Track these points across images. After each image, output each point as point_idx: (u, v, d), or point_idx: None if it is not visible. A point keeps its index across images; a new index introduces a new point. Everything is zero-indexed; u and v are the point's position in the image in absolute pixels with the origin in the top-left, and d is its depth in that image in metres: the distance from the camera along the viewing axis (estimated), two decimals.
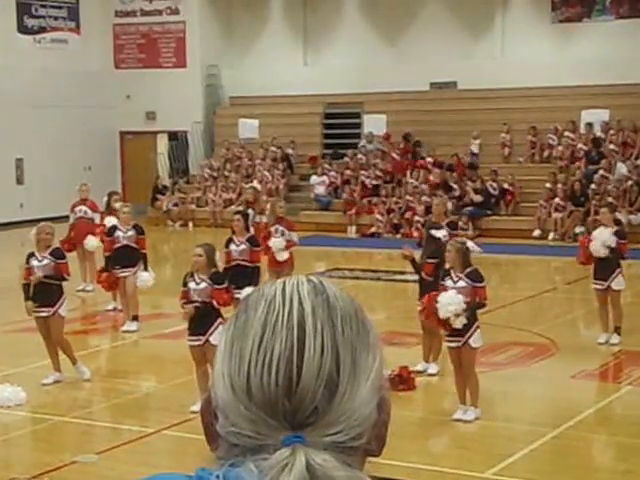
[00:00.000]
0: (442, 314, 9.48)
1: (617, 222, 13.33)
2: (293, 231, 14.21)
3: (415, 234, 20.17)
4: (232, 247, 12.60)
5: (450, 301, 9.44)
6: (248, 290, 11.77)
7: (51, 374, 11.44)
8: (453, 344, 9.71)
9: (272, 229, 14.02)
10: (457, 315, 9.42)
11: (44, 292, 11.18)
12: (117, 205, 15.15)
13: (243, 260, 12.45)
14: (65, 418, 10.21)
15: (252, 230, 13.75)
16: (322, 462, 1.14)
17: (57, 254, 11.45)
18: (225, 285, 10.39)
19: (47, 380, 11.38)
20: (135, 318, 14.10)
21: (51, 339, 11.36)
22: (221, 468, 1.17)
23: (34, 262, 11.29)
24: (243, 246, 12.54)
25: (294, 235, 14.14)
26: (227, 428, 1.19)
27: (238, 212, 13.57)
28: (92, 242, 16.23)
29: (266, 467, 1.14)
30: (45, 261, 11.30)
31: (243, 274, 12.19)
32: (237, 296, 11.41)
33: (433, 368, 11.35)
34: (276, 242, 13.66)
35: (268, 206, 15.11)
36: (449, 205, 19.08)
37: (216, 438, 1.21)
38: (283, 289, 1.22)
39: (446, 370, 10.72)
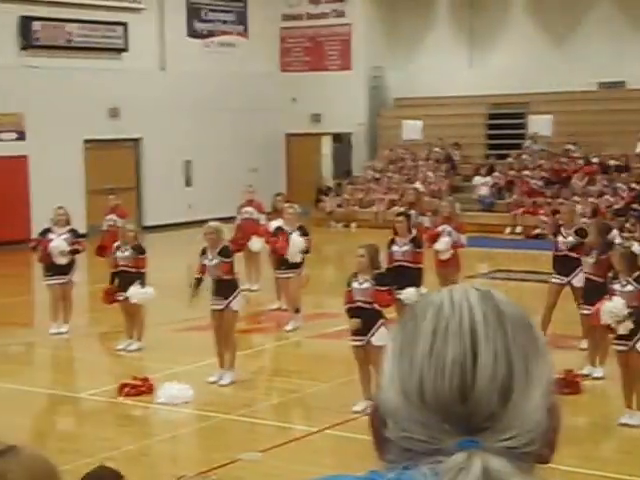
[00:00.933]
0: (604, 320, 9.31)
1: None
2: (461, 232, 14.03)
3: None
4: (394, 248, 12.53)
5: (612, 308, 9.25)
6: (409, 291, 11.74)
7: (218, 373, 11.60)
8: (620, 347, 9.48)
9: (440, 229, 13.87)
10: (619, 322, 9.21)
11: (220, 288, 11.55)
12: (285, 206, 15.33)
13: (406, 261, 12.36)
14: (230, 416, 10.33)
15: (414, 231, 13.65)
16: (499, 467, 1.15)
17: (224, 253, 11.66)
18: (388, 286, 10.33)
19: (213, 378, 11.57)
20: (297, 311, 14.26)
21: (221, 334, 11.49)
22: (393, 471, 1.19)
23: (205, 260, 11.69)
24: (406, 247, 12.45)
25: (462, 237, 13.96)
26: (398, 433, 1.20)
27: (401, 213, 13.50)
28: (256, 243, 16.48)
29: (442, 470, 1.16)
30: (215, 261, 11.63)
31: (405, 275, 12.10)
32: (398, 297, 11.40)
33: (599, 372, 11.05)
34: (441, 243, 13.50)
35: (443, 204, 14.84)
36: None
37: (385, 444, 1.23)
38: (451, 296, 1.24)
39: (613, 374, 10.38)
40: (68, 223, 14.42)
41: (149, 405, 10.80)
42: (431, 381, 1.18)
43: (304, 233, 14.18)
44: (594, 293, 10.34)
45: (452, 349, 1.18)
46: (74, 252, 14.21)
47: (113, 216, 16.86)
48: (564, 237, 12.23)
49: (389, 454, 1.23)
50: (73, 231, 14.42)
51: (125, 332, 13.28)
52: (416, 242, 12.61)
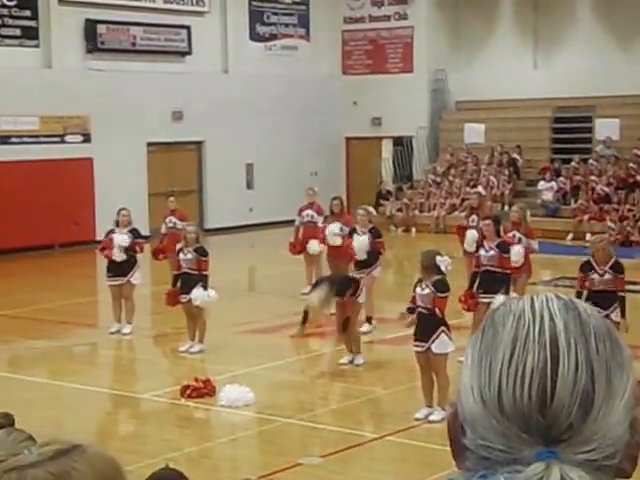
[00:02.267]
0: None
1: None
2: (532, 238, 13.89)
3: None
4: (481, 252, 12.38)
5: None
6: (500, 298, 11.30)
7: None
8: None
9: (510, 234, 13.71)
10: None
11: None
12: (357, 210, 15.40)
13: (492, 266, 12.18)
14: (291, 420, 10.31)
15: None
16: (577, 479, 1.14)
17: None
18: (447, 293, 10.21)
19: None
20: (369, 320, 14.21)
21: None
22: (470, 479, 1.19)
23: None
24: (492, 252, 12.28)
25: (533, 242, 13.83)
26: (476, 441, 1.19)
27: (488, 217, 13.33)
28: (314, 246, 16.48)
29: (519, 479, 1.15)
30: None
31: (493, 280, 11.96)
32: (484, 301, 11.36)
33: None
34: (513, 251, 13.29)
35: (513, 209, 14.66)
36: None
37: (463, 452, 1.22)
38: (532, 305, 1.22)
39: None
40: (130, 224, 14.59)
41: (211, 407, 10.83)
42: (510, 390, 1.16)
43: (377, 235, 14.17)
44: None
45: (532, 358, 1.17)
46: (134, 251, 14.34)
47: (172, 218, 16.98)
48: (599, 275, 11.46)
49: (467, 462, 1.22)
50: (134, 230, 14.57)
51: (187, 334, 13.34)
52: (503, 247, 12.43)
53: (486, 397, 1.18)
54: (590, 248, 11.69)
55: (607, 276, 11.14)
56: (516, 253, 13.20)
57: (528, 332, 1.18)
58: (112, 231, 14.54)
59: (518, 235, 13.58)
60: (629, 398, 1.19)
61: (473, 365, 1.22)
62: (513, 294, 11.99)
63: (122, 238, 14.24)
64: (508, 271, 12.30)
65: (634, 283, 11.48)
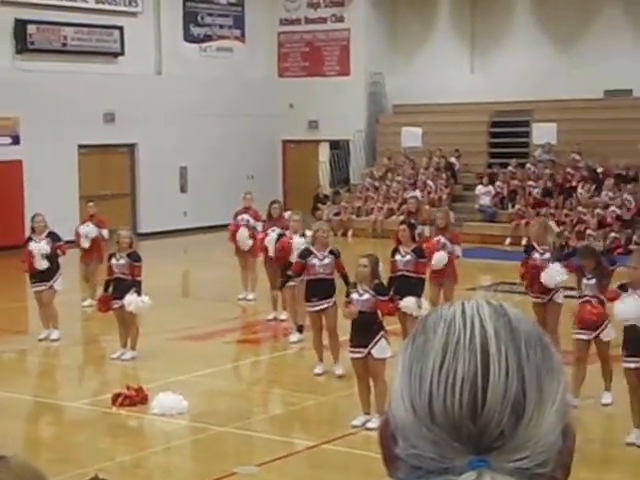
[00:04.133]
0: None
1: None
2: (457, 243, 13.83)
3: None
4: (397, 257, 12.38)
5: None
6: (409, 300, 11.60)
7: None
8: (632, 365, 9.26)
9: (435, 240, 13.65)
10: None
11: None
12: (286, 214, 15.18)
13: (408, 271, 12.23)
14: (226, 428, 10.18)
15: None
16: None
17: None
18: (389, 296, 10.29)
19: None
20: (300, 329, 13.90)
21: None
22: None
23: (314, 260, 12.09)
24: (408, 257, 12.31)
25: (457, 248, 13.75)
26: (408, 450, 1.17)
27: (404, 222, 13.28)
28: (244, 237, 16.25)
29: None
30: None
31: (407, 285, 12.00)
32: (398, 306, 11.32)
33: (607, 397, 10.65)
34: (437, 257, 13.26)
35: (438, 214, 14.58)
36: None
37: (395, 461, 1.20)
38: (463, 311, 1.20)
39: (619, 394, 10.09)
40: (47, 229, 14.31)
41: (143, 415, 10.69)
42: (441, 398, 1.15)
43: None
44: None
45: (463, 365, 1.15)
46: (56, 255, 14.03)
47: (90, 224, 16.75)
48: (540, 254, 12.01)
49: (398, 471, 1.20)
50: (52, 234, 14.23)
51: (119, 341, 13.05)
52: (418, 252, 12.46)
53: (417, 405, 1.17)
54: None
55: (547, 255, 11.97)
56: (437, 258, 13.15)
57: (459, 339, 1.17)
58: (30, 239, 14.19)
59: (443, 240, 13.53)
60: (561, 404, 1.18)
61: (404, 372, 1.20)
62: (424, 299, 12.19)
63: (41, 246, 13.94)
64: (423, 276, 12.37)
65: (571, 288, 11.49)
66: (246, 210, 17.13)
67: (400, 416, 1.18)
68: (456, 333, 1.18)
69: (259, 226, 16.47)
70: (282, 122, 29.19)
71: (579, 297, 10.58)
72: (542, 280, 11.77)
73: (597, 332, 10.25)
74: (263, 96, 28.77)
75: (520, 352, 1.17)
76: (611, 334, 10.27)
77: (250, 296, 16.88)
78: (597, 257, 10.60)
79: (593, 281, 10.36)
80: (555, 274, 11.69)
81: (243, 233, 16.32)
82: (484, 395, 1.13)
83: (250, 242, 16.17)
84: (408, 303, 11.73)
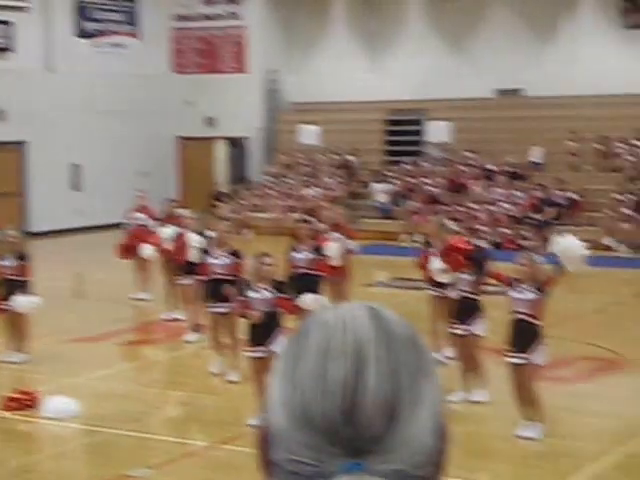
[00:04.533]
0: None
1: None
2: (351, 239, 13.88)
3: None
4: (296, 255, 12.38)
5: None
6: (308, 297, 11.59)
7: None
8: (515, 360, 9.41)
9: (329, 236, 13.70)
10: None
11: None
12: (182, 212, 15.00)
13: (307, 268, 12.27)
14: (120, 431, 10.07)
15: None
16: None
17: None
18: (289, 293, 10.31)
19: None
20: (196, 328, 13.72)
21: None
22: None
23: (211, 260, 11.87)
24: (308, 254, 12.36)
25: (352, 243, 13.80)
26: (283, 455, 1.17)
27: (303, 220, 13.29)
28: (148, 250, 15.99)
29: None
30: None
31: (307, 283, 12.03)
32: (299, 304, 11.31)
33: (480, 395, 10.75)
34: (332, 248, 13.31)
35: (327, 213, 14.71)
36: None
37: (270, 466, 1.19)
38: (339, 314, 1.20)
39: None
40: None
41: (34, 420, 10.50)
42: (315, 402, 1.15)
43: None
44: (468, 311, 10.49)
45: (337, 369, 1.15)
46: None
47: None
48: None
49: (275, 477, 1.19)
50: None
51: (6, 343, 12.71)
52: (318, 249, 12.50)
53: (292, 410, 1.16)
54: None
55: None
56: (332, 248, 13.22)
57: (334, 342, 1.17)
58: None
59: (338, 236, 13.62)
60: (435, 406, 1.18)
61: (280, 377, 1.20)
62: (324, 296, 12.26)
63: None
64: (323, 273, 12.42)
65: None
66: (141, 208, 16.91)
67: (276, 421, 1.18)
68: (331, 336, 1.18)
69: (154, 225, 16.27)
70: (178, 119, 28.93)
71: (456, 292, 10.73)
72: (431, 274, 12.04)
73: (471, 327, 10.42)
74: (158, 93, 28.46)
75: (394, 355, 1.17)
76: (482, 329, 10.43)
77: (145, 296, 16.68)
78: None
79: (469, 276, 10.51)
80: (437, 269, 11.94)
81: (147, 251, 15.93)
82: (359, 398, 1.14)
83: (152, 252, 15.82)
84: (307, 300, 11.77)
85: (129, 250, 16.42)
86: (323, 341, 1.18)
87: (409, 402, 1.16)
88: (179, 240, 14.03)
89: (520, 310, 9.42)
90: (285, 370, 1.19)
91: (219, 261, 11.93)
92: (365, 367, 1.15)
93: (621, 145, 24.37)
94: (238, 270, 11.82)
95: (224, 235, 12.20)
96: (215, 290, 11.74)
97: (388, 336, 1.18)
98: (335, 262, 13.36)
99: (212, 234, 12.69)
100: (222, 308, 11.61)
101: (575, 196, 23.64)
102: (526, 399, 9.41)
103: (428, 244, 12.53)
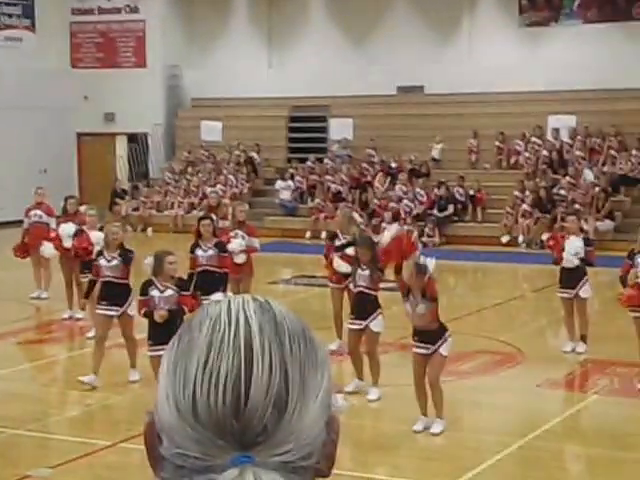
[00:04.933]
0: None
1: (581, 230, 13.57)
2: (254, 236, 13.87)
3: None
4: (199, 252, 12.34)
5: None
6: (217, 296, 11.45)
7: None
8: (422, 351, 9.43)
9: (232, 233, 13.64)
10: None
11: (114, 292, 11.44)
12: (82, 208, 14.72)
13: (211, 266, 12.23)
14: (19, 431, 9.88)
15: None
16: None
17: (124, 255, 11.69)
18: (191, 291, 10.30)
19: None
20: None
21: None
22: None
23: (102, 261, 11.56)
24: (211, 252, 12.31)
25: (255, 241, 13.78)
26: (172, 450, 1.17)
27: (206, 217, 13.22)
28: (48, 248, 15.64)
29: None
30: (114, 262, 11.54)
31: (211, 280, 11.96)
32: (205, 303, 11.13)
33: (373, 393, 10.80)
34: (234, 244, 13.25)
35: (230, 210, 14.66)
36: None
37: (159, 461, 1.20)
38: (228, 308, 1.21)
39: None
40: None
41: None
42: (204, 397, 1.15)
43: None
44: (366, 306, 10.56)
45: (226, 363, 1.16)
46: None
47: None
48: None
49: (163, 472, 1.19)
50: None
51: None
52: (221, 247, 12.52)
53: (181, 404, 1.16)
54: None
55: None
56: (235, 243, 13.26)
57: (223, 336, 1.17)
58: None
59: (240, 233, 13.58)
60: (324, 397, 1.20)
61: (168, 372, 1.19)
62: (230, 293, 12.15)
63: None
64: (227, 270, 12.39)
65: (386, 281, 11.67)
66: (39, 205, 16.59)
67: (164, 416, 1.18)
68: (221, 330, 1.18)
69: (53, 222, 15.98)
70: (77, 115, 28.49)
71: (354, 287, 10.77)
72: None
73: (367, 322, 10.47)
74: (56, 88, 27.95)
75: (284, 347, 1.18)
76: (379, 325, 10.52)
77: (44, 295, 16.38)
78: (373, 249, 10.59)
79: (367, 272, 10.54)
80: (338, 265, 12.00)
81: (48, 249, 15.57)
82: (247, 391, 1.14)
83: (52, 250, 15.48)
84: (215, 298, 11.64)
85: (27, 248, 16.08)
86: (214, 335, 1.18)
87: (298, 393, 1.17)
88: (79, 237, 13.79)
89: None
90: (175, 366, 1.19)
91: (109, 263, 11.69)
92: (255, 360, 1.16)
93: (520, 142, 24.84)
94: (126, 273, 11.67)
95: (114, 237, 11.93)
96: (105, 292, 11.58)
97: (277, 329, 1.19)
98: (238, 259, 13.32)
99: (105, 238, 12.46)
100: (112, 311, 11.44)
101: (475, 193, 24.01)
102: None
103: (333, 238, 12.58)
